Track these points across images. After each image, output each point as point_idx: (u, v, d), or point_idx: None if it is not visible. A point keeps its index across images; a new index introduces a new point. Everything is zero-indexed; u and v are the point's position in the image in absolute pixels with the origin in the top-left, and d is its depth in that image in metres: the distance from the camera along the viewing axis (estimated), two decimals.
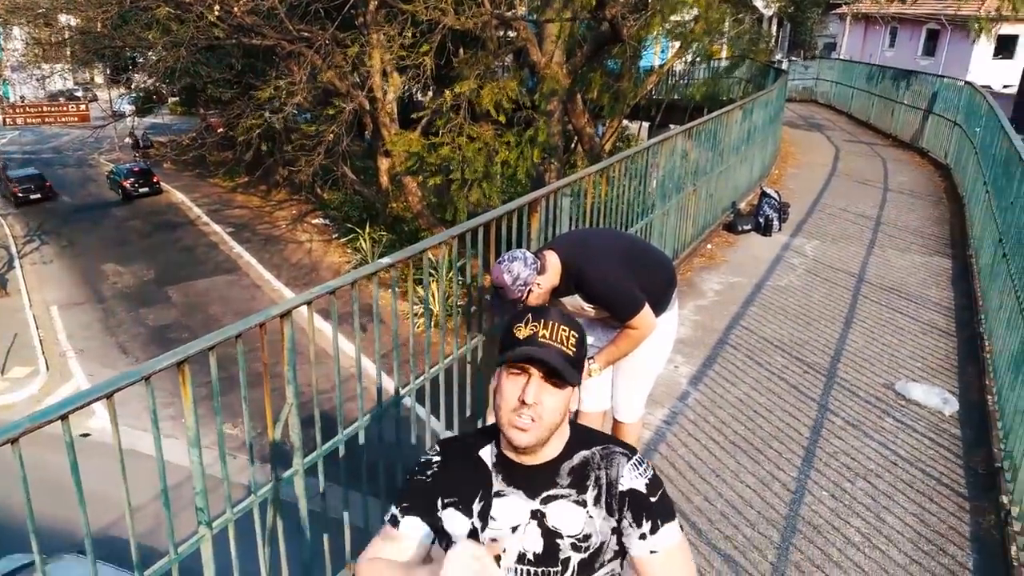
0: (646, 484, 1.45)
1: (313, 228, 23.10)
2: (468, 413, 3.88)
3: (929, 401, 4.70)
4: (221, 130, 20.22)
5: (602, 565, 1.46)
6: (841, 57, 30.73)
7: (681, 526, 1.48)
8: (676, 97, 20.41)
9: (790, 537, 3.50)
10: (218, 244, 22.97)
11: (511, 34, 13.54)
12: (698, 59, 18.29)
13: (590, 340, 3.33)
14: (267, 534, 2.84)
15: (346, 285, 2.93)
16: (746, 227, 8.40)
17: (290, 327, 2.70)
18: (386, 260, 3.08)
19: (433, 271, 3.49)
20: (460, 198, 10.89)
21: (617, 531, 1.45)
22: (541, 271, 2.85)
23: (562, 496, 1.45)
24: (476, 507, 1.48)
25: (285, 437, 2.78)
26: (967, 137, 10.06)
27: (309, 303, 2.78)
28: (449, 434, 3.10)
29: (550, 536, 1.44)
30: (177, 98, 31.11)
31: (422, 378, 3.47)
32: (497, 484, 1.48)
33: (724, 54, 20.97)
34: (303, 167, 16.13)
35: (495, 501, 1.47)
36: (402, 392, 3.31)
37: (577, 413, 3.35)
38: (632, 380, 3.32)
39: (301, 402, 2.88)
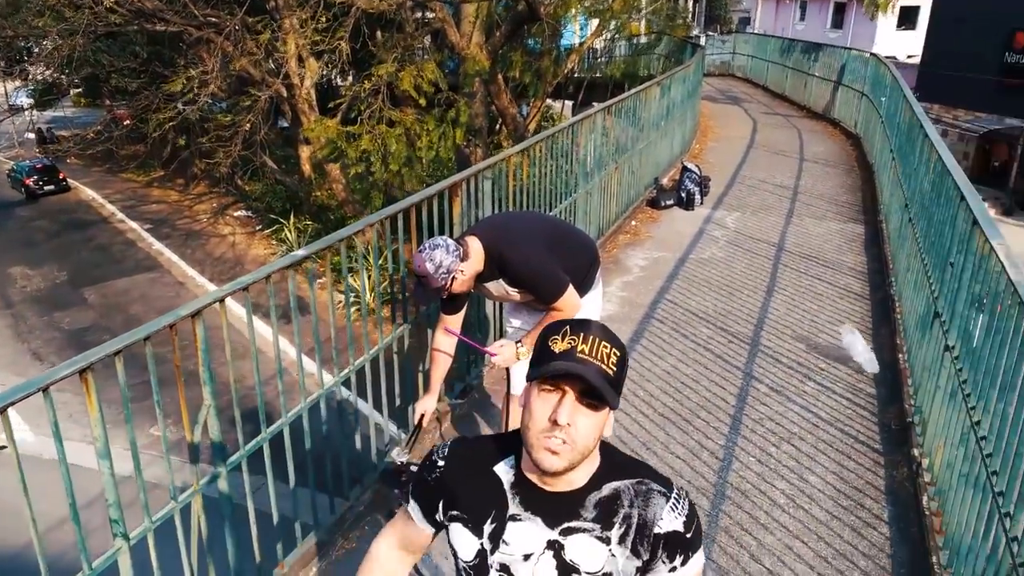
0: (684, 523, 1.36)
1: (236, 221, 22.50)
2: (398, 402, 3.85)
3: (863, 356, 4.83)
4: (128, 122, 19.44)
5: None
6: (755, 31, 31.39)
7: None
8: (597, 75, 20.54)
9: (720, 504, 3.58)
10: (135, 241, 22.17)
11: (429, 15, 13.38)
12: (617, 36, 18.42)
13: (517, 323, 3.33)
14: (196, 539, 2.76)
15: (260, 280, 2.86)
16: (669, 202, 8.52)
17: (202, 327, 2.62)
18: (301, 252, 3.01)
19: (356, 260, 3.43)
20: (382, 187, 10.76)
21: (642, 569, 1.36)
22: (464, 258, 2.83)
23: (585, 529, 1.34)
24: (487, 528, 1.38)
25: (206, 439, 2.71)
26: (874, 107, 10.41)
27: (221, 300, 2.70)
28: (428, 401, 3.08)
29: (566, 570, 1.35)
30: (79, 89, 29.74)
31: (347, 370, 3.42)
32: (513, 507, 1.37)
33: (643, 30, 21.16)
34: (221, 159, 15.66)
35: (509, 524, 1.37)
36: (326, 387, 3.26)
37: (511, 398, 3.35)
38: None
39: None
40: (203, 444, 2.75)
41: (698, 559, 1.39)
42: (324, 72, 16.53)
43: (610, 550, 1.34)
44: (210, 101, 17.62)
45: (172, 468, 2.65)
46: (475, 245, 2.87)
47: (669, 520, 1.35)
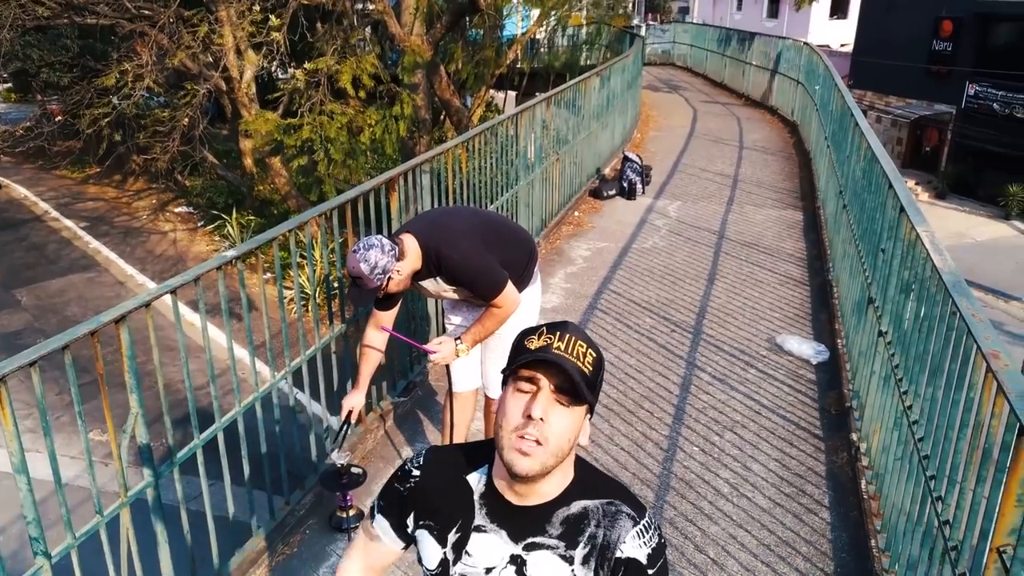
0: (648, 555, 1.30)
1: (176, 217, 21.92)
2: (339, 412, 3.77)
3: (803, 352, 4.91)
4: (59, 118, 18.80)
5: None
6: (694, 21, 31.75)
7: None
8: (539, 66, 20.53)
9: (664, 495, 3.60)
10: (71, 240, 21.42)
11: (370, 6, 13.17)
12: (558, 27, 18.42)
13: (457, 320, 3.29)
14: (125, 553, 2.66)
15: (188, 282, 2.77)
16: (611, 192, 8.56)
17: (127, 332, 2.52)
18: (230, 253, 2.92)
19: (290, 258, 3.35)
20: (327, 179, 10.57)
21: None
22: (400, 257, 2.77)
23: (549, 546, 1.30)
24: (452, 537, 1.35)
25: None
26: (809, 95, 10.60)
27: (147, 305, 2.61)
28: (356, 397, 3.03)
29: None
30: (8, 84, 28.66)
31: (284, 371, 3.34)
32: (479, 518, 1.34)
33: (584, 20, 21.20)
34: (159, 154, 15.23)
35: (473, 536, 1.33)
36: (260, 390, 3.17)
37: (453, 395, 3.31)
38: (501, 357, 3.29)
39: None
40: (133, 452, 2.66)
41: None
42: (264, 65, 16.18)
43: (572, 570, 1.30)
44: (147, 96, 17.15)
45: (105, 477, 2.56)
46: (411, 243, 2.81)
47: (632, 546, 1.29)
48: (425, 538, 1.38)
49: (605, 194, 8.52)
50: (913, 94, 22.32)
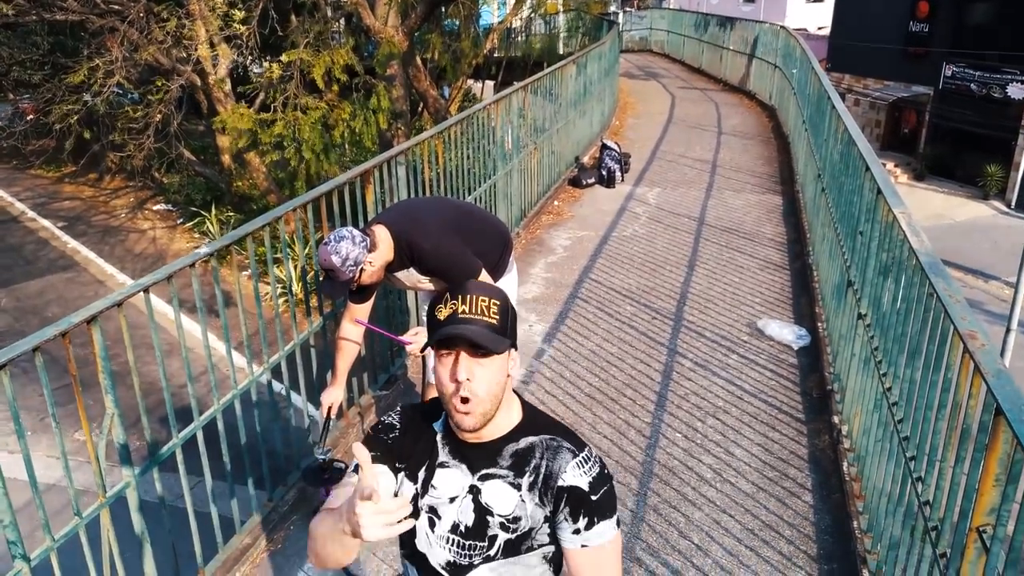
0: (589, 482, 1.43)
1: (155, 215, 21.71)
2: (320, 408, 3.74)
3: (784, 336, 4.91)
4: (31, 116, 18.53)
5: (530, 549, 1.47)
6: (671, 7, 31.69)
7: (619, 520, 1.48)
8: (516, 55, 20.44)
9: (647, 482, 3.60)
10: (49, 240, 21.16)
11: None
12: (534, 15, 18.34)
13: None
14: (107, 554, 2.63)
15: (162, 280, 2.72)
16: (590, 180, 8.54)
17: (99, 333, 2.48)
18: (203, 250, 2.88)
19: (265, 254, 3.30)
20: (300, 174, 10.48)
21: (550, 521, 1.45)
22: (372, 248, 2.74)
23: (500, 476, 1.46)
24: (422, 475, 1.50)
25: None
26: (787, 79, 10.61)
27: (119, 304, 2.56)
28: (334, 392, 3.02)
29: (482, 512, 1.46)
30: None
31: (263, 368, 3.30)
32: (443, 455, 1.50)
33: (561, 7, 21.12)
34: (134, 151, 15.03)
35: (438, 471, 1.49)
36: (239, 387, 3.14)
37: (427, 386, 3.29)
38: None
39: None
40: (120, 452, 2.63)
41: (606, 529, 1.44)
42: (238, 59, 16.00)
43: (520, 496, 1.45)
44: (120, 92, 16.93)
45: (94, 474, 2.52)
46: (383, 234, 2.78)
47: (573, 475, 1.43)
48: (404, 482, 1.52)
49: (584, 183, 8.50)
50: (891, 76, 22.43)
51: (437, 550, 1.50)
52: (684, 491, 3.53)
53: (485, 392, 1.38)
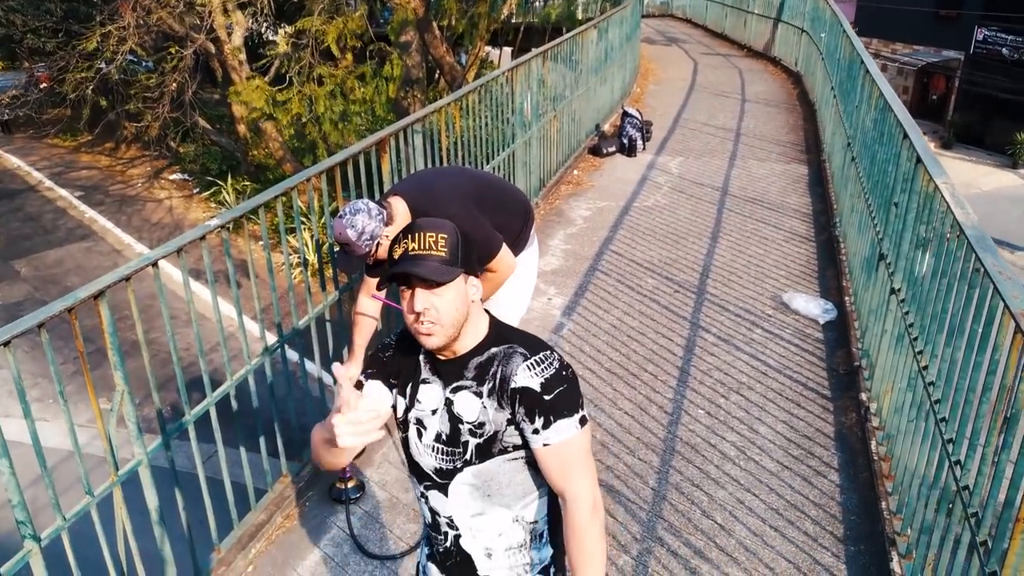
0: (541, 383, 1.54)
1: (171, 184, 21.71)
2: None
3: (810, 310, 4.78)
4: (44, 85, 18.49)
5: (502, 451, 1.60)
6: None
7: (584, 419, 1.57)
8: (534, 20, 20.08)
9: (669, 459, 3.52)
10: (67, 210, 21.24)
11: None
12: None
13: None
14: (121, 533, 2.59)
15: (171, 253, 2.64)
16: (611, 149, 8.37)
17: (106, 308, 2.41)
18: (215, 222, 2.80)
19: (278, 224, 3.22)
20: (319, 142, 10.37)
21: (513, 423, 1.57)
22: (388, 221, 2.64)
23: (466, 387, 1.61)
24: (408, 390, 1.68)
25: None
26: (814, 43, 10.33)
27: (128, 279, 2.49)
28: (352, 368, 3.00)
29: (454, 420, 1.61)
30: None
31: (275, 343, 3.23)
32: (424, 372, 1.66)
33: None
34: (149, 121, 14.97)
35: (421, 387, 1.66)
36: (252, 363, 3.07)
37: None
38: None
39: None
40: (127, 429, 2.57)
41: (564, 428, 1.54)
42: (252, 26, 15.83)
43: (482, 403, 1.59)
44: (134, 60, 16.83)
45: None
46: (400, 206, 2.68)
47: (523, 377, 1.55)
48: (396, 396, 1.71)
49: (605, 151, 8.33)
50: (920, 40, 21.86)
51: (426, 458, 1.66)
52: (707, 469, 3.44)
53: (447, 317, 1.53)
